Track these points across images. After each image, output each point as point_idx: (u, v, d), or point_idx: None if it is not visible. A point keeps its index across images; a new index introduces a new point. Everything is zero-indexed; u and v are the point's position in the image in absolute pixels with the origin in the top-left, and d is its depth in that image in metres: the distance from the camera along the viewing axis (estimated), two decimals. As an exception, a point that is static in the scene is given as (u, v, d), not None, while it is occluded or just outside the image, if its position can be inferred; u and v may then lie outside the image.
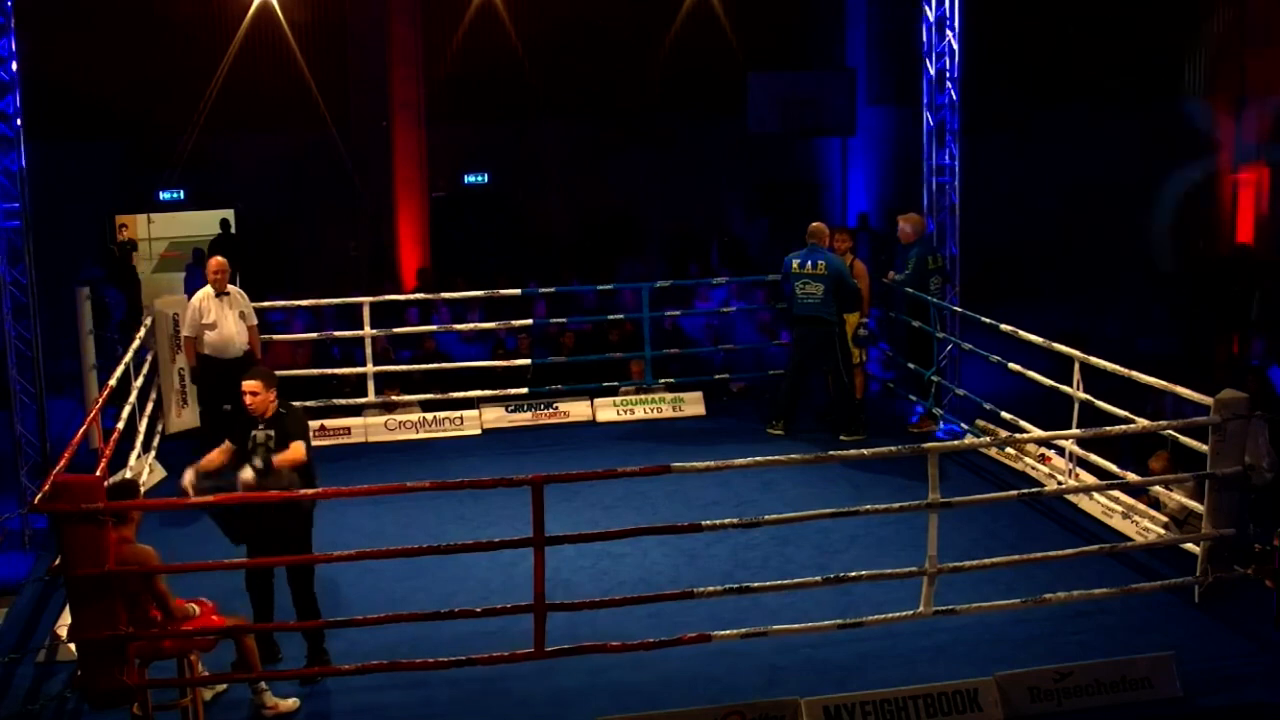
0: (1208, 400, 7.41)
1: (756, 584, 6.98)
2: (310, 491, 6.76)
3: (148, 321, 10.51)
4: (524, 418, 11.56)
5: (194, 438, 10.47)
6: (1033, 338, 9.42)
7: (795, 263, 10.73)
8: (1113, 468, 8.51)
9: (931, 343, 11.13)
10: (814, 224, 10.98)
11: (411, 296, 13.74)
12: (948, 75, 12.86)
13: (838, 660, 6.87)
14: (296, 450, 6.71)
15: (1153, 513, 8.41)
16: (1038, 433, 9.06)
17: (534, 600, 6.45)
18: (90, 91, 17.32)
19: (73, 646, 6.47)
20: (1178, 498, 8.14)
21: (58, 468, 6.75)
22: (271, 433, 6.78)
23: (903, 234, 11.40)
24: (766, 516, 7.15)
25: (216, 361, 10.14)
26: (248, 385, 6.80)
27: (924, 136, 13.17)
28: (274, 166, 18.70)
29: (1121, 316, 17.50)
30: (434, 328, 13.02)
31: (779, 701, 6.28)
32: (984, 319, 10.23)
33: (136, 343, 10.14)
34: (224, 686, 6.63)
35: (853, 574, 7.14)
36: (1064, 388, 8.93)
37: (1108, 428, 7.95)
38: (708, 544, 8.33)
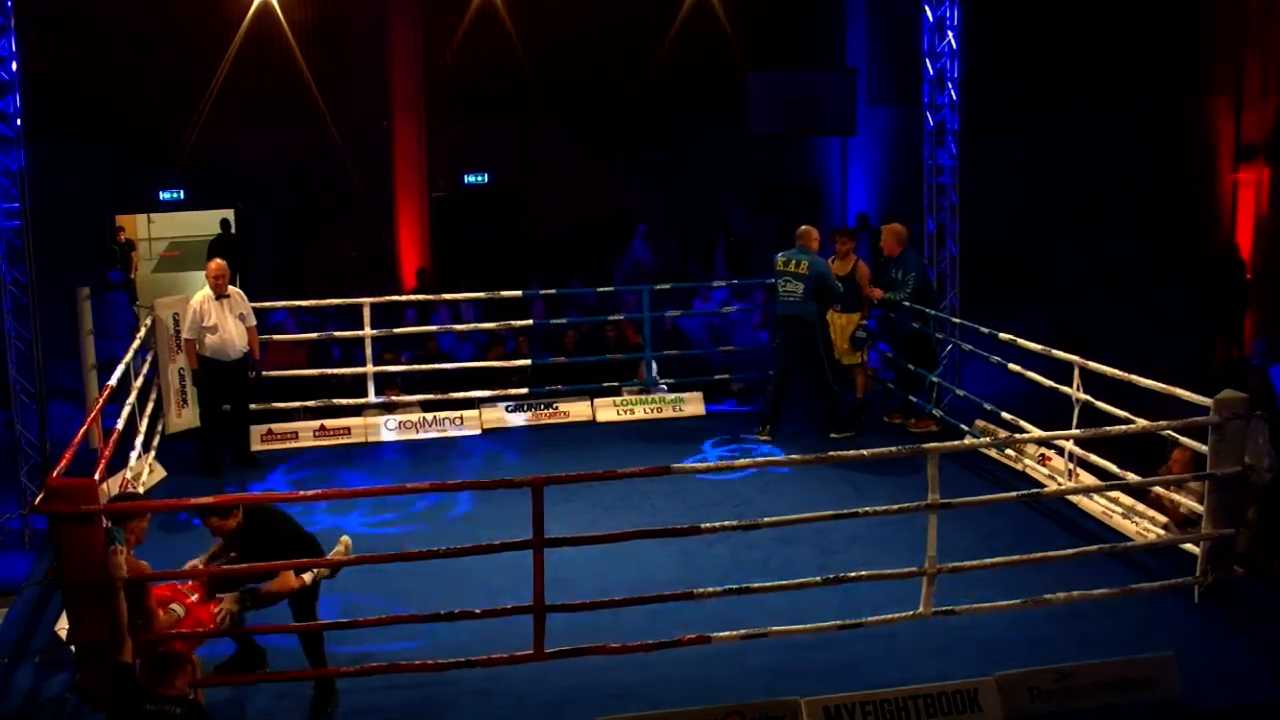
0: (1208, 400, 7.41)
1: (756, 584, 6.97)
2: (310, 493, 6.76)
3: (148, 321, 10.51)
4: (524, 418, 11.56)
5: (194, 438, 10.49)
6: (1033, 345, 9.41)
7: (781, 259, 10.79)
8: (1113, 468, 8.50)
9: (933, 344, 11.13)
10: (803, 226, 11.02)
11: (411, 297, 13.73)
12: (948, 75, 12.88)
13: (838, 660, 6.86)
14: (285, 580, 6.28)
15: (1153, 513, 8.40)
16: (1038, 433, 9.05)
17: (533, 601, 6.45)
18: (90, 91, 17.31)
19: (73, 648, 6.46)
20: (1184, 501, 8.12)
21: (57, 469, 6.75)
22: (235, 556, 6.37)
23: (886, 246, 11.22)
24: (766, 517, 7.15)
25: (217, 364, 10.13)
26: (209, 523, 6.29)
27: (924, 136, 13.18)
28: (274, 166, 18.69)
29: (1121, 316, 17.50)
30: (434, 328, 13.00)
31: (779, 701, 6.28)
32: (983, 329, 10.21)
33: (136, 343, 10.14)
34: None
35: (853, 574, 7.13)
36: (1064, 388, 8.93)
37: (1108, 428, 7.94)
38: (708, 544, 8.32)
